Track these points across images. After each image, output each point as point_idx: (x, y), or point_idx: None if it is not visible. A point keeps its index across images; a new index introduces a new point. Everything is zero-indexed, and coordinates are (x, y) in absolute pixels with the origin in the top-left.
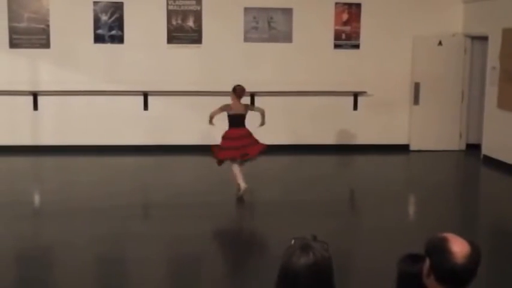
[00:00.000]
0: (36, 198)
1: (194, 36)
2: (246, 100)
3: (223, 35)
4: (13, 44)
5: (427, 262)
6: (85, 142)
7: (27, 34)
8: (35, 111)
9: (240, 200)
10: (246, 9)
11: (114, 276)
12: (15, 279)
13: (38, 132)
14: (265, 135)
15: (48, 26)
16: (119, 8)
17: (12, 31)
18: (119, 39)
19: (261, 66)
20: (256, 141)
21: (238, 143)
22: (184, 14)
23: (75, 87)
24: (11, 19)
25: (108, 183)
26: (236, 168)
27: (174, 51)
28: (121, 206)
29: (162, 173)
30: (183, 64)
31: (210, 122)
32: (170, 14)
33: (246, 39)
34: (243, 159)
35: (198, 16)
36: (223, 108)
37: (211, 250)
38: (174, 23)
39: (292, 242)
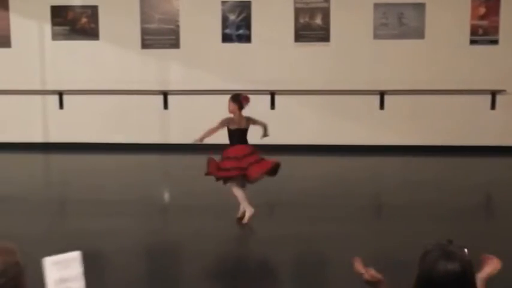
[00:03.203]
0: (166, 194)
1: (322, 34)
2: (375, 99)
3: (352, 32)
4: (144, 45)
5: None
6: (212, 141)
7: (158, 35)
8: (165, 110)
9: (240, 224)
10: (376, 5)
11: (239, 273)
12: (146, 272)
13: (167, 130)
14: (394, 136)
15: (178, 26)
16: (246, 7)
17: (144, 32)
18: (246, 38)
19: (391, 64)
20: (260, 160)
21: (242, 163)
22: (312, 12)
23: (204, 86)
24: (143, 21)
25: None
26: (238, 191)
27: (301, 50)
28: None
29: (285, 172)
30: (311, 63)
31: (200, 140)
32: (297, 11)
33: (375, 36)
34: (244, 181)
35: (325, 13)
36: (224, 123)
37: (330, 251)
38: (301, 20)
39: (428, 248)
